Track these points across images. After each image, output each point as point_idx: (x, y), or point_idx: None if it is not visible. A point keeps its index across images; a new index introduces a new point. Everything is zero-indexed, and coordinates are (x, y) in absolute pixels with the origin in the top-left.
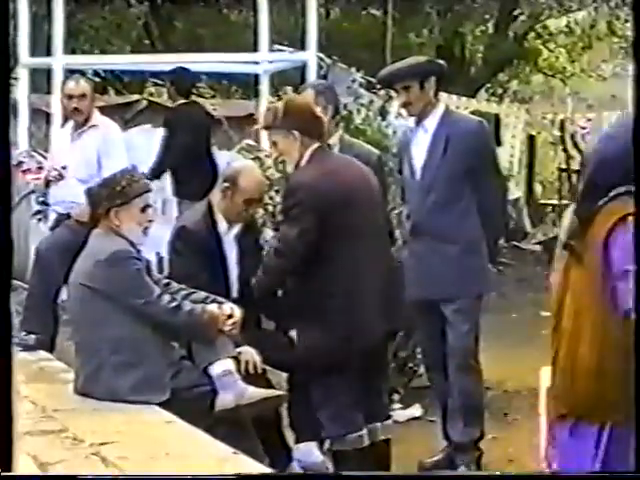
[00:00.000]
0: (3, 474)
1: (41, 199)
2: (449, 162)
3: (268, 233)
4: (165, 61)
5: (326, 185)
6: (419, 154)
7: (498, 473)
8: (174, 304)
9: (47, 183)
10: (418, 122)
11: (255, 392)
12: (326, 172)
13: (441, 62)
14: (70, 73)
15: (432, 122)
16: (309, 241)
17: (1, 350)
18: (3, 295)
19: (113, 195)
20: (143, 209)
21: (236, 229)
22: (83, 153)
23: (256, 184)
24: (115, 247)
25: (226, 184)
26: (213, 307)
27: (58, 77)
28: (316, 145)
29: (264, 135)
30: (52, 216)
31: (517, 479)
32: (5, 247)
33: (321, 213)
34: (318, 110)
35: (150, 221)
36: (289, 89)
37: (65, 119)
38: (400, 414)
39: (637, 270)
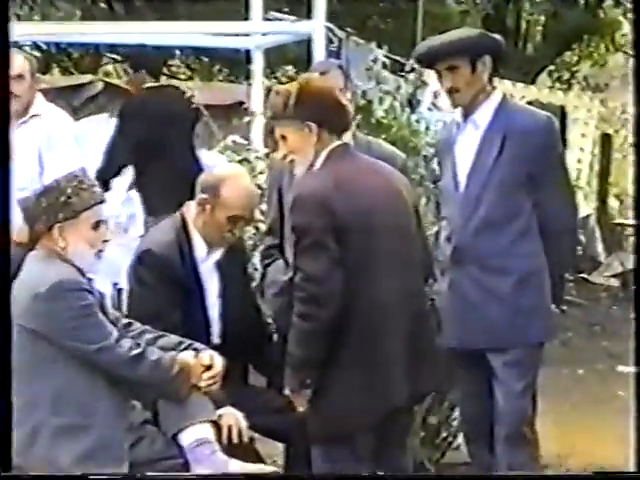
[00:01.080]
0: (3, 474)
1: None
2: (504, 168)
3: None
4: (127, 31)
5: (341, 197)
6: (465, 157)
7: (498, 473)
8: (136, 351)
9: None
10: (465, 115)
11: (239, 467)
12: (343, 179)
13: (498, 37)
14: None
15: (484, 115)
16: (340, 273)
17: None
18: (3, 297)
19: (56, 207)
20: (95, 226)
21: (218, 254)
22: (21, 152)
23: (244, 196)
24: (58, 276)
25: (204, 195)
26: (187, 355)
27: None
28: (337, 143)
29: (255, 130)
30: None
31: (517, 479)
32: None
33: (337, 235)
34: (342, 96)
35: (105, 241)
36: (333, 65)
37: None
38: None
39: (637, 269)
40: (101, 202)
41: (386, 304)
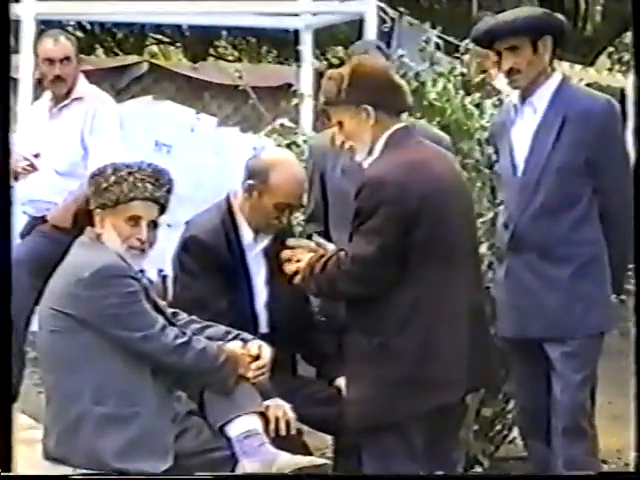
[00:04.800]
0: (3, 474)
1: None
2: (564, 152)
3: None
4: (173, 11)
5: (415, 183)
6: (522, 141)
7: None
8: (182, 340)
9: (14, 176)
10: (524, 98)
11: (288, 460)
12: (413, 164)
13: (560, 16)
14: (45, 26)
15: (543, 98)
16: (391, 262)
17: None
18: (3, 297)
19: (97, 193)
20: (129, 220)
21: (266, 240)
22: (63, 135)
23: (293, 183)
24: (103, 262)
25: (252, 181)
26: (235, 345)
27: (28, 32)
28: (397, 126)
29: (304, 113)
30: (21, 220)
31: (517, 479)
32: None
33: (407, 223)
34: (398, 77)
35: (140, 241)
36: (371, 44)
37: (39, 89)
38: None
39: (637, 268)
40: (145, 199)
41: (450, 294)
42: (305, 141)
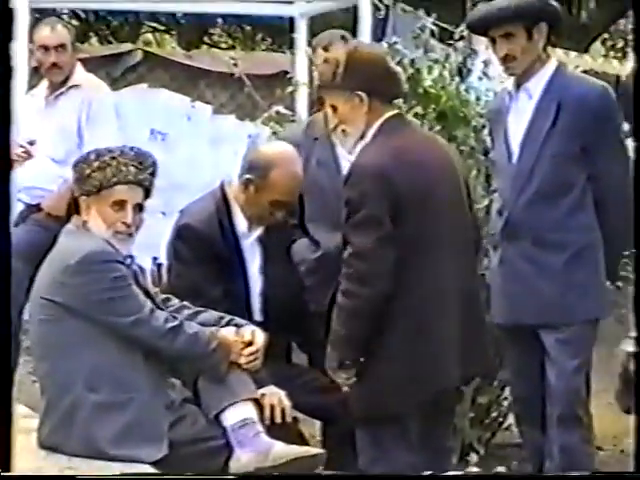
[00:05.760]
0: (3, 474)
1: None
2: (559, 139)
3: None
4: None
5: (400, 170)
6: (518, 128)
7: (497, 473)
8: (172, 324)
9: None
10: (518, 84)
11: (283, 450)
12: (401, 151)
13: (555, 3)
14: (39, 14)
15: (538, 84)
16: (391, 251)
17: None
18: (3, 295)
19: (81, 179)
20: (113, 205)
21: (260, 229)
22: (59, 123)
23: (292, 182)
24: (89, 248)
25: (250, 175)
26: (227, 331)
27: (23, 20)
28: (390, 113)
29: (299, 100)
30: (16, 208)
31: (517, 479)
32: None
33: (394, 210)
34: (394, 64)
35: (126, 224)
36: (335, 36)
37: (35, 78)
38: None
39: (637, 267)
40: (129, 183)
41: (440, 283)
42: None
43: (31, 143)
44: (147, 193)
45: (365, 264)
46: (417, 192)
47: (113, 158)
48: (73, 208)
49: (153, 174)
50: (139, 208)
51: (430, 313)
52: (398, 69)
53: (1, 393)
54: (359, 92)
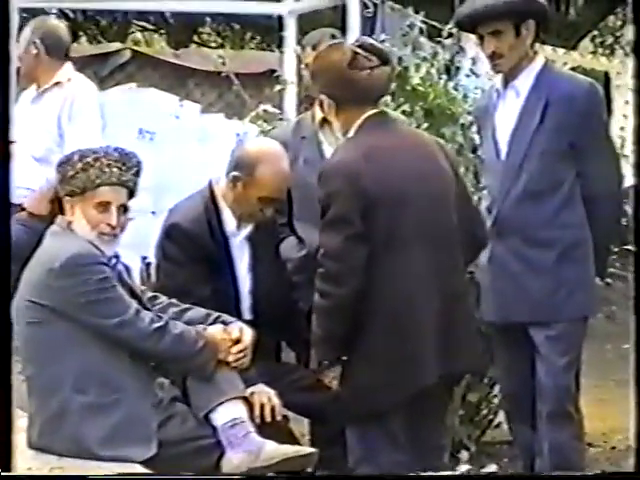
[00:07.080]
0: (3, 474)
1: None
2: (547, 136)
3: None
4: None
5: (371, 170)
6: (505, 125)
7: (497, 473)
8: (157, 324)
9: None
10: (506, 82)
11: (274, 450)
12: (374, 151)
13: (543, 0)
14: (28, 14)
15: (526, 82)
16: (361, 250)
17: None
18: (3, 296)
19: (65, 180)
20: (97, 206)
21: (249, 228)
22: (41, 120)
23: (279, 178)
24: (73, 250)
25: (237, 173)
26: (214, 329)
27: (12, 20)
28: (369, 112)
29: (288, 99)
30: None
31: (517, 479)
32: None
33: (365, 209)
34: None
35: (111, 226)
36: (325, 35)
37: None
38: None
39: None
40: (112, 184)
41: (416, 281)
42: None
43: (11, 142)
44: (131, 194)
45: (336, 263)
46: (390, 189)
47: (96, 159)
48: (57, 208)
49: (137, 174)
50: (124, 209)
51: (405, 311)
52: (363, 74)
53: (1, 393)
54: (322, 98)
